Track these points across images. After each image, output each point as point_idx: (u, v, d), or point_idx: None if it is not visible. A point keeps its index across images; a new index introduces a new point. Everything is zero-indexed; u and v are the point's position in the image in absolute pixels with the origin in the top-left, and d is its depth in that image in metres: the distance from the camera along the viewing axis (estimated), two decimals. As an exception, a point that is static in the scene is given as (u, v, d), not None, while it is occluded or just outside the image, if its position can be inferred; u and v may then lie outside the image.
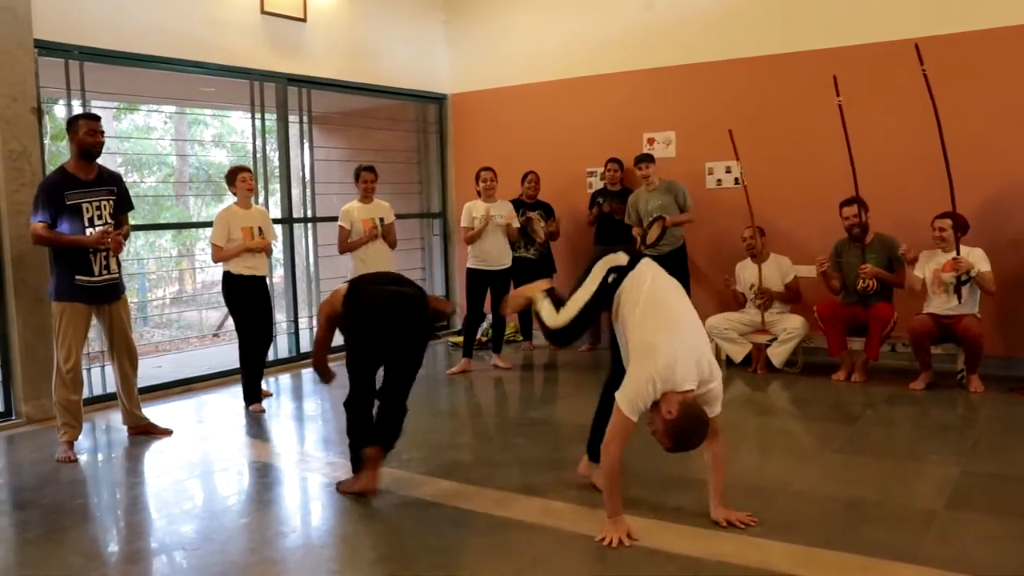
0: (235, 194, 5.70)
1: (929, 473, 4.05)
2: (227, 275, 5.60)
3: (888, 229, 6.00)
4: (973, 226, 5.65)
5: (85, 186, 4.62)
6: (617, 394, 3.20)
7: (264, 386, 6.03)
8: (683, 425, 3.12)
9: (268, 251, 5.77)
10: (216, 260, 5.64)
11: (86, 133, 4.60)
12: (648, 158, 6.79)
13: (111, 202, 4.72)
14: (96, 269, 4.64)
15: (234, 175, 5.69)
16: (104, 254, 4.66)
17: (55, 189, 4.55)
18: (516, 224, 6.83)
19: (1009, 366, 5.89)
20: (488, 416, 5.67)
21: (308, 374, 6.94)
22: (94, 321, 4.77)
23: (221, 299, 5.83)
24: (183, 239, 14.22)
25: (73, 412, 4.64)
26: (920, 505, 3.59)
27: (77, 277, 4.58)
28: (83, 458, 4.65)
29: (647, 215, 6.73)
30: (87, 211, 4.61)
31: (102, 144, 4.70)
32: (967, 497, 3.66)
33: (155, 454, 4.75)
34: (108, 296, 4.75)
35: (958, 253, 5.44)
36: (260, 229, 5.68)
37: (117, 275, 4.80)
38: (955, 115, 5.59)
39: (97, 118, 4.72)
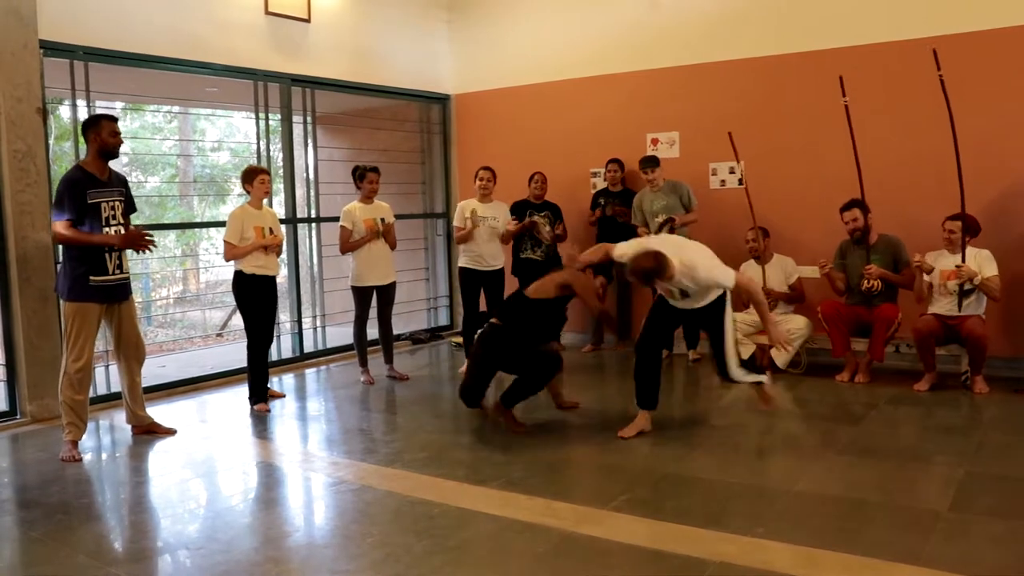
0: (249, 192, 5.70)
1: (933, 474, 4.04)
2: (238, 274, 5.61)
3: (893, 230, 5.99)
4: (981, 226, 5.64)
5: (103, 185, 4.66)
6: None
7: (276, 388, 6.05)
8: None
9: (278, 251, 5.79)
10: (229, 258, 5.64)
11: (109, 134, 4.63)
12: (652, 162, 6.77)
13: (122, 203, 4.75)
14: (110, 268, 4.66)
15: (253, 175, 5.68)
16: (117, 253, 4.69)
17: (78, 187, 4.56)
18: (511, 228, 6.83)
19: (1014, 367, 5.87)
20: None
21: (311, 374, 6.95)
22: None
23: (225, 299, 5.86)
24: (187, 239, 14.25)
25: (78, 411, 4.65)
26: (924, 506, 3.59)
27: (92, 277, 4.60)
28: (87, 457, 4.66)
29: (651, 215, 6.75)
30: (104, 210, 4.64)
31: (121, 145, 4.74)
32: (971, 499, 3.66)
33: (159, 453, 4.76)
34: (119, 295, 4.77)
35: (963, 259, 5.43)
36: (271, 229, 5.70)
37: (127, 274, 4.83)
38: (961, 116, 5.57)
39: (117, 120, 4.75)
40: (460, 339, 7.13)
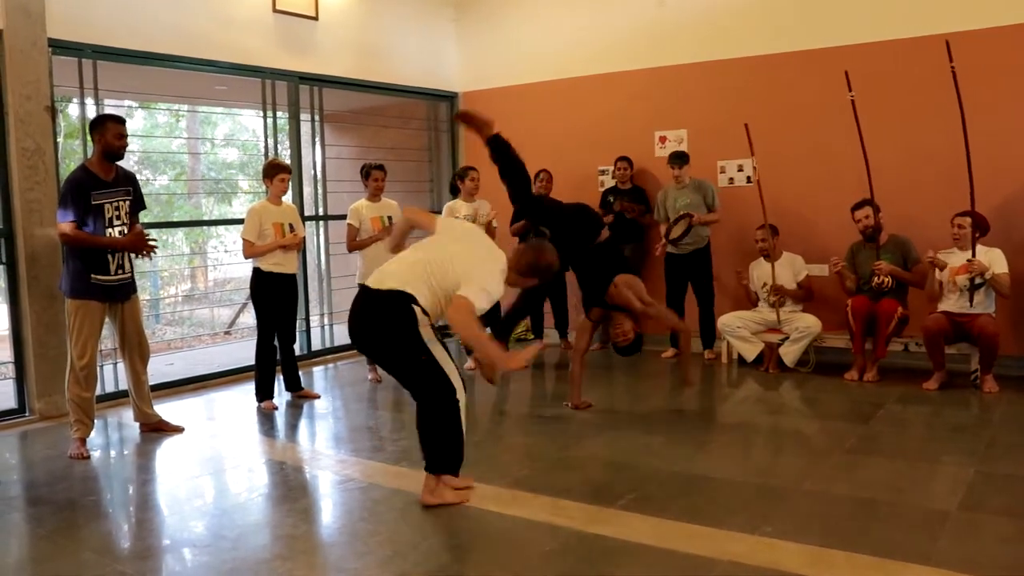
0: (268, 188, 5.71)
1: (942, 473, 4.02)
2: (256, 271, 5.62)
3: (902, 228, 5.96)
4: (990, 225, 5.61)
5: (107, 186, 4.67)
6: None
7: (307, 387, 6.04)
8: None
9: (299, 247, 5.78)
10: (247, 256, 5.64)
11: (114, 136, 4.64)
12: (681, 158, 6.74)
13: (128, 202, 4.77)
14: (112, 268, 4.67)
15: (273, 171, 5.66)
16: (120, 254, 4.70)
17: (82, 188, 4.57)
18: (495, 223, 6.84)
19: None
20: (497, 414, 5.66)
21: (319, 372, 6.96)
22: (106, 319, 4.80)
23: (233, 297, 5.85)
24: (195, 237, 14.29)
25: (86, 409, 4.66)
26: (933, 506, 3.56)
27: (93, 276, 4.61)
28: (95, 455, 4.67)
29: (674, 211, 6.72)
30: (108, 211, 4.65)
31: (127, 147, 4.75)
32: (981, 498, 3.64)
33: (166, 451, 4.77)
34: (122, 294, 4.78)
35: (974, 254, 5.39)
36: (291, 225, 5.69)
37: (131, 274, 4.84)
38: (971, 114, 5.54)
39: (123, 121, 4.76)
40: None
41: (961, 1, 6.03)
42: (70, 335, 4.66)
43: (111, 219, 4.65)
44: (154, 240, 4.80)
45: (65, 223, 4.56)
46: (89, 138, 5.68)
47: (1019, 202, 5.87)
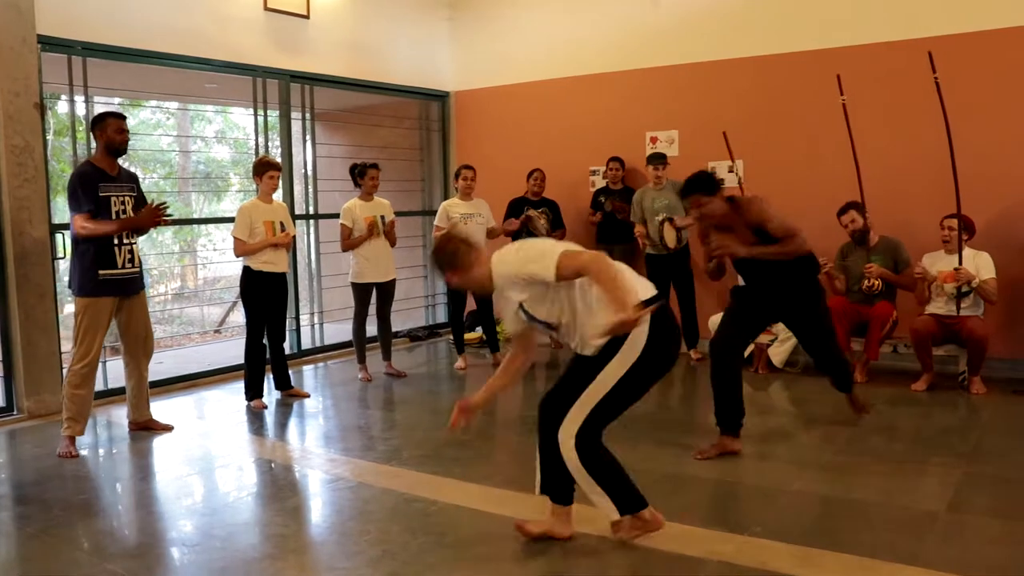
0: (258, 186, 5.70)
1: (931, 475, 4.04)
2: (246, 270, 5.61)
3: (891, 230, 5.99)
4: (980, 229, 5.65)
5: (113, 180, 4.69)
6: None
7: (297, 386, 6.05)
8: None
9: (288, 246, 5.78)
10: (238, 254, 5.64)
11: (115, 131, 4.66)
12: (662, 158, 6.78)
13: (132, 198, 4.78)
14: (120, 262, 4.67)
15: (263, 169, 5.67)
16: (127, 247, 4.71)
17: (90, 181, 4.59)
18: (508, 227, 6.85)
19: (1012, 368, 5.87)
20: (489, 414, 5.66)
21: (308, 371, 6.94)
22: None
23: (223, 295, 5.83)
24: (185, 235, 14.22)
25: (79, 406, 4.63)
26: (921, 507, 3.59)
27: (101, 271, 4.61)
28: (84, 453, 4.65)
29: (652, 212, 6.75)
30: (114, 204, 4.67)
31: (128, 141, 4.76)
32: (969, 499, 3.67)
33: (156, 450, 4.76)
34: (131, 288, 4.78)
35: (961, 260, 5.43)
36: (282, 224, 5.68)
37: (139, 268, 4.84)
38: (962, 117, 5.58)
39: (124, 117, 4.78)
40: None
41: (951, 5, 6.06)
42: (76, 332, 4.64)
43: (117, 213, 4.67)
44: (165, 204, 4.79)
45: (79, 215, 4.57)
46: (79, 135, 5.68)
47: (1008, 204, 5.91)
